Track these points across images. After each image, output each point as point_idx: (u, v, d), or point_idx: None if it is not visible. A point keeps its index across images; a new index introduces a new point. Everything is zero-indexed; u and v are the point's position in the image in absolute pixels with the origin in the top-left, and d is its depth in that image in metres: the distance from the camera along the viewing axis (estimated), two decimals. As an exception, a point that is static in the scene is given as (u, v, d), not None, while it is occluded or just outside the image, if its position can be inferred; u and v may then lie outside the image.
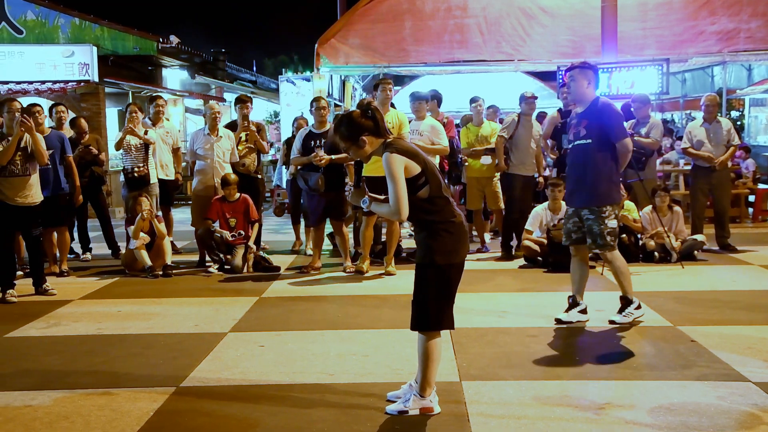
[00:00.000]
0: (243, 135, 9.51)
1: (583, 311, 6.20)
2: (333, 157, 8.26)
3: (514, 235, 9.40)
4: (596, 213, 5.92)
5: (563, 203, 8.87)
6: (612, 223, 5.94)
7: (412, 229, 4.45)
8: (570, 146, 6.20)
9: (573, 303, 6.22)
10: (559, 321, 6.15)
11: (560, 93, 10.39)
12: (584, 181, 5.99)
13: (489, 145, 9.71)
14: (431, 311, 4.16)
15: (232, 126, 9.74)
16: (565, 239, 6.29)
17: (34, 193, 7.55)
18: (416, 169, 4.06)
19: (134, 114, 9.45)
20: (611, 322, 6.10)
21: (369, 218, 8.42)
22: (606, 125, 5.93)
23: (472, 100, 10.04)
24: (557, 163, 9.83)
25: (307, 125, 9.36)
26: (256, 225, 9.09)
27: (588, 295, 7.29)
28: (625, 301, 6.15)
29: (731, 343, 5.50)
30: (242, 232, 8.85)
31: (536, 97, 9.65)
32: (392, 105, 8.73)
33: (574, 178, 6.11)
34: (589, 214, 5.96)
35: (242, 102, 9.74)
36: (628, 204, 9.09)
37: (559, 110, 10.04)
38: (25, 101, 8.68)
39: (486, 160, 9.71)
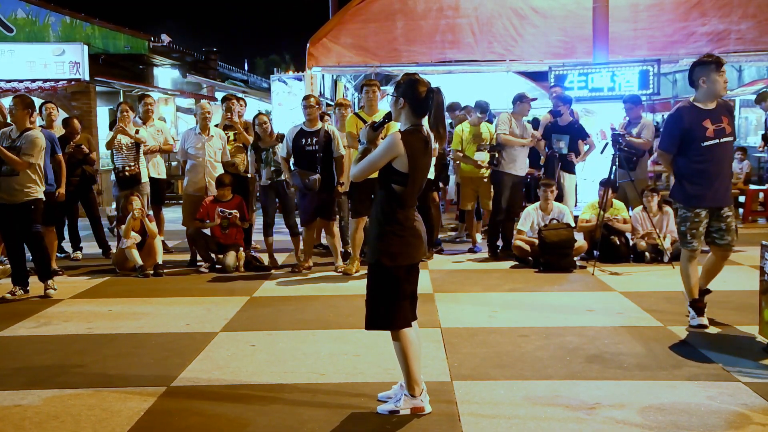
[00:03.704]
0: (232, 134, 9.48)
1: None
2: (343, 181, 8.47)
3: (500, 235, 9.40)
4: (732, 210, 5.96)
5: (555, 203, 8.90)
6: None
7: None
8: (709, 143, 5.88)
9: (703, 306, 6.19)
10: (704, 326, 6.05)
11: (551, 93, 10.36)
12: (729, 178, 6.00)
13: (483, 143, 9.71)
14: (381, 311, 4.20)
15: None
16: (699, 243, 6.07)
17: (27, 190, 7.45)
18: (404, 167, 4.10)
19: (125, 113, 9.42)
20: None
21: (358, 220, 8.42)
22: (734, 123, 6.00)
23: (477, 105, 9.96)
24: (546, 164, 9.82)
25: (269, 120, 9.18)
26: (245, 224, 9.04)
27: (580, 296, 7.33)
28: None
29: (721, 343, 5.53)
30: (232, 212, 8.78)
31: (534, 99, 9.60)
32: None
33: (726, 176, 5.98)
34: (728, 212, 5.96)
35: (227, 100, 9.73)
36: (618, 204, 9.12)
37: (551, 111, 10.04)
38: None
39: (481, 155, 9.65)
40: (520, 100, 9.30)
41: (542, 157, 10.04)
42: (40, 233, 7.61)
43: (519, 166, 9.29)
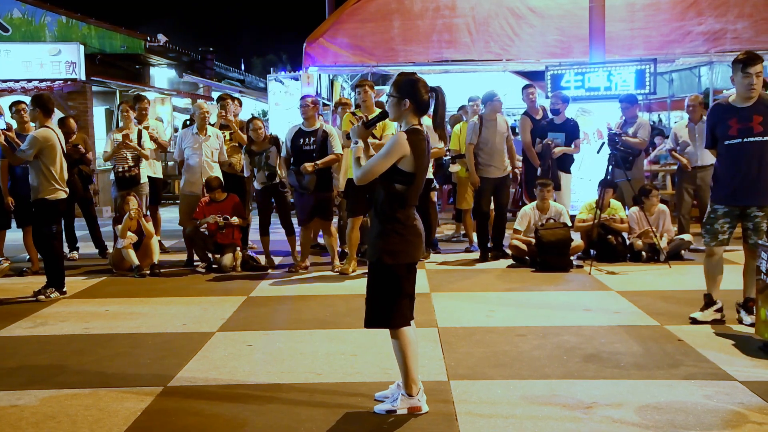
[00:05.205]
0: (227, 134, 9.47)
1: (719, 310, 6.11)
2: (318, 163, 8.26)
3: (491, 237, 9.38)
4: (765, 211, 5.81)
5: (552, 203, 8.90)
6: None
7: None
8: (730, 142, 5.76)
9: (709, 302, 6.13)
10: (693, 320, 6.06)
11: (525, 95, 10.18)
12: (761, 179, 5.77)
13: None
14: (381, 309, 4.21)
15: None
16: (712, 240, 5.97)
17: (31, 191, 7.52)
18: (410, 166, 4.11)
19: (126, 113, 9.42)
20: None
21: (354, 220, 8.41)
22: None
23: (470, 99, 9.98)
24: (542, 163, 9.78)
25: (263, 126, 9.10)
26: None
27: (577, 295, 7.33)
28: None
29: (718, 343, 5.54)
30: (227, 217, 8.75)
31: (499, 98, 9.44)
32: (377, 105, 8.74)
33: (750, 176, 5.75)
34: (758, 212, 5.80)
35: (223, 100, 9.73)
36: (614, 203, 9.13)
37: (526, 113, 9.96)
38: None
39: (454, 168, 9.69)
40: (490, 100, 9.07)
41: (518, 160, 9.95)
42: (45, 236, 7.48)
43: (496, 167, 9.10)
